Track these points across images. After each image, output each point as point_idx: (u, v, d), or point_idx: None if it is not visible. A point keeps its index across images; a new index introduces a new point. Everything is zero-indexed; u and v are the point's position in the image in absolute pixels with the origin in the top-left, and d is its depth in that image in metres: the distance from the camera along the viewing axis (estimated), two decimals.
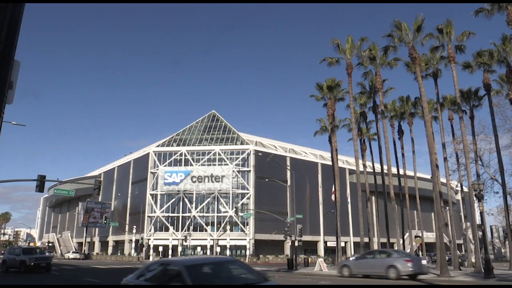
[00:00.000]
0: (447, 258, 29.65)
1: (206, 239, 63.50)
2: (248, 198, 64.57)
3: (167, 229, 65.96)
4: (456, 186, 55.37)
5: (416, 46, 28.29)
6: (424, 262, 23.80)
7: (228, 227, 63.45)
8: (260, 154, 62.45)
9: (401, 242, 38.50)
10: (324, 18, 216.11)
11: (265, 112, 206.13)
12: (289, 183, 59.60)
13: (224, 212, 64.36)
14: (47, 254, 30.47)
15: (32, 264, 24.41)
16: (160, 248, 64.40)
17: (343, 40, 32.61)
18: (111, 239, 78.14)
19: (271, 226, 60.62)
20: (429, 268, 25.99)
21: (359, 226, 37.57)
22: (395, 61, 35.02)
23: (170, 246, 64.06)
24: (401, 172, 45.83)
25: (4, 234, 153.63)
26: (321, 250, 67.76)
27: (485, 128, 70.56)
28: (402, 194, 46.13)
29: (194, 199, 65.73)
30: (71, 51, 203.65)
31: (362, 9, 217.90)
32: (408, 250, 51.32)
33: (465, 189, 41.97)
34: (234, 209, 57.33)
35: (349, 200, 72.36)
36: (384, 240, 45.84)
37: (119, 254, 71.85)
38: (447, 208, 47.85)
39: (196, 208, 65.25)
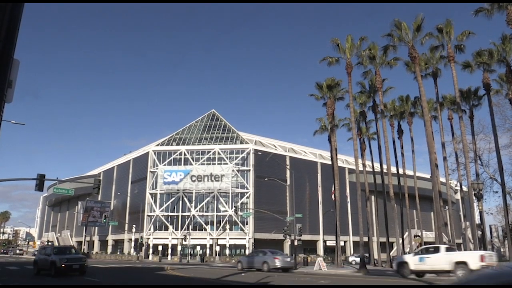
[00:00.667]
0: None
1: (205, 238, 63.52)
2: (248, 198, 64.58)
3: (166, 228, 65.98)
4: (456, 185, 55.47)
5: (415, 45, 28.35)
6: (288, 259, 29.66)
7: (227, 227, 63.46)
8: (260, 153, 62.45)
9: (400, 241, 38.54)
10: (324, 18, 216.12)
11: (264, 112, 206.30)
12: (288, 182, 59.59)
13: (223, 211, 64.38)
14: (80, 254, 26.75)
15: (63, 265, 21.40)
16: (160, 248, 64.42)
17: (343, 39, 32.60)
18: (110, 238, 78.13)
19: (270, 225, 60.64)
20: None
21: (359, 226, 37.58)
22: (394, 60, 35.05)
23: (170, 245, 64.08)
24: (401, 171, 45.89)
25: (3, 233, 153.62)
26: (320, 250, 67.77)
27: (484, 127, 70.53)
28: (401, 193, 46.16)
29: (193, 198, 65.74)
30: (71, 50, 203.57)
31: (362, 9, 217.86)
32: (407, 249, 51.42)
33: (465, 189, 42.02)
34: (234, 208, 57.33)
35: (348, 199, 72.45)
36: (383, 239, 45.90)
37: (118, 253, 71.83)
38: (447, 207, 47.93)
39: (195, 207, 65.25)
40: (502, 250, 71.33)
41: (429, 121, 29.54)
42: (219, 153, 66.68)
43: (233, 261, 55.72)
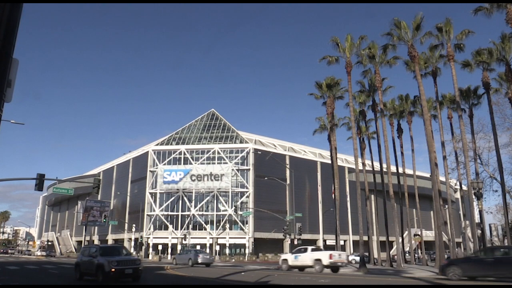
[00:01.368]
0: (446, 256, 29.70)
1: (205, 238, 63.55)
2: (248, 197, 64.59)
3: (166, 228, 66.00)
4: (455, 184, 55.53)
5: (415, 44, 28.32)
6: (207, 256, 35.83)
7: (227, 226, 63.50)
8: (260, 152, 62.46)
9: (400, 240, 38.52)
10: (323, 17, 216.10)
11: (264, 111, 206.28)
12: (288, 181, 59.63)
13: (223, 210, 64.39)
14: (133, 256, 22.56)
15: (113, 270, 17.49)
16: (160, 247, 64.45)
17: (342, 38, 32.58)
18: (110, 237, 78.13)
19: (270, 224, 60.68)
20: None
21: (358, 225, 37.58)
22: (394, 59, 35.03)
23: (170, 245, 64.13)
24: (400, 170, 45.89)
25: (3, 233, 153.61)
26: None
27: (484, 126, 70.44)
28: (401, 192, 46.19)
29: (193, 198, 65.75)
30: (71, 50, 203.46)
31: (361, 9, 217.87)
32: (407, 248, 51.42)
33: (464, 188, 42.07)
34: (234, 207, 57.37)
35: (348, 198, 72.54)
36: (383, 238, 45.91)
37: None
38: (446, 206, 47.93)
39: (195, 206, 65.27)
40: None
41: (428, 120, 29.53)
42: (218, 153, 66.68)
43: (233, 260, 55.84)
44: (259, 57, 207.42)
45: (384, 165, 39.62)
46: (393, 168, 41.64)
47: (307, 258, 26.99)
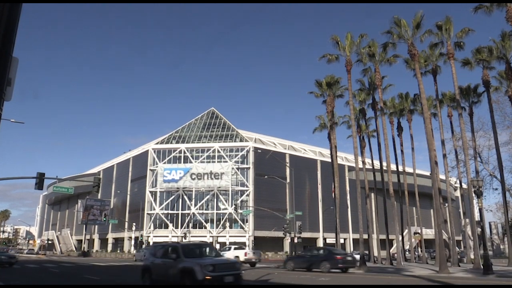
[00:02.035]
0: (446, 254, 29.73)
1: (205, 236, 63.56)
2: (248, 195, 64.61)
3: (166, 226, 66.02)
4: (455, 182, 55.52)
5: (415, 43, 28.24)
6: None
7: (227, 224, 63.53)
8: (260, 151, 62.44)
9: (400, 238, 38.56)
10: (323, 16, 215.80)
11: (264, 109, 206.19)
12: (288, 180, 59.62)
13: (223, 209, 64.41)
14: (227, 258, 17.48)
15: (208, 278, 12.42)
16: None
17: (342, 36, 32.53)
18: (110, 236, 78.18)
19: (270, 223, 60.70)
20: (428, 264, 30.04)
21: (358, 223, 37.62)
22: (394, 58, 34.99)
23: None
24: (400, 169, 45.90)
25: (3, 232, 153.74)
26: None
27: (484, 125, 70.65)
28: (401, 190, 46.20)
29: (193, 196, 65.76)
30: (71, 48, 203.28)
31: (361, 7, 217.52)
32: (407, 247, 51.44)
33: (464, 186, 42.09)
34: (234, 206, 57.36)
35: (348, 197, 72.55)
36: (383, 236, 45.92)
37: (118, 251, 71.89)
38: (446, 204, 47.98)
39: (195, 205, 65.29)
40: (501, 247, 71.50)
41: (428, 119, 29.49)
42: (218, 151, 66.66)
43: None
44: (259, 56, 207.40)
45: (384, 163, 39.63)
46: (393, 167, 41.67)
47: (230, 254, 31.58)
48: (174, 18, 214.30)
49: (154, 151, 69.59)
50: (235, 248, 34.73)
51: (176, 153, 68.05)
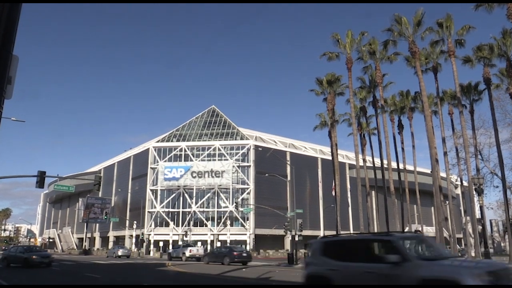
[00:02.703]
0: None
1: (206, 234, 63.66)
2: (248, 193, 64.64)
3: (167, 225, 66.10)
4: (456, 180, 55.42)
5: (416, 40, 28.27)
6: (126, 251, 51.87)
7: (228, 222, 63.58)
8: (260, 149, 62.42)
9: None
10: (323, 14, 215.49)
11: (265, 107, 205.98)
12: (289, 178, 59.63)
13: (224, 207, 64.45)
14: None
15: None
16: (161, 244, 64.53)
17: (343, 34, 32.57)
18: (111, 234, 78.29)
19: (271, 221, 60.72)
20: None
21: (359, 221, 37.68)
22: (395, 55, 34.97)
23: (171, 242, 64.16)
24: (401, 166, 45.88)
25: (4, 230, 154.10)
26: None
27: (485, 122, 70.68)
28: (402, 188, 46.17)
29: (194, 195, 65.81)
30: (71, 47, 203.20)
31: (362, 6, 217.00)
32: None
33: (465, 183, 42.03)
34: (234, 204, 57.38)
35: (349, 194, 72.54)
36: None
37: None
38: (447, 202, 47.96)
39: (196, 203, 65.35)
40: (502, 244, 71.45)
41: (429, 116, 29.50)
42: (219, 149, 66.68)
43: None
44: (259, 54, 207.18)
45: (385, 161, 39.65)
46: (393, 164, 41.66)
47: (179, 251, 40.12)
48: (174, 17, 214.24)
49: (155, 149, 69.62)
50: (183, 246, 42.68)
51: (177, 151, 68.08)
